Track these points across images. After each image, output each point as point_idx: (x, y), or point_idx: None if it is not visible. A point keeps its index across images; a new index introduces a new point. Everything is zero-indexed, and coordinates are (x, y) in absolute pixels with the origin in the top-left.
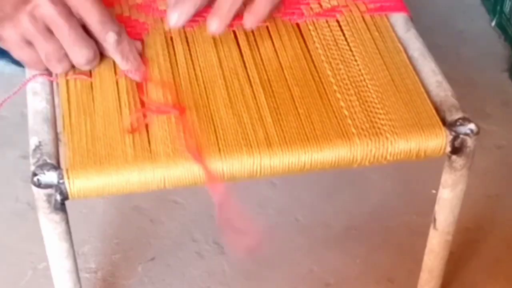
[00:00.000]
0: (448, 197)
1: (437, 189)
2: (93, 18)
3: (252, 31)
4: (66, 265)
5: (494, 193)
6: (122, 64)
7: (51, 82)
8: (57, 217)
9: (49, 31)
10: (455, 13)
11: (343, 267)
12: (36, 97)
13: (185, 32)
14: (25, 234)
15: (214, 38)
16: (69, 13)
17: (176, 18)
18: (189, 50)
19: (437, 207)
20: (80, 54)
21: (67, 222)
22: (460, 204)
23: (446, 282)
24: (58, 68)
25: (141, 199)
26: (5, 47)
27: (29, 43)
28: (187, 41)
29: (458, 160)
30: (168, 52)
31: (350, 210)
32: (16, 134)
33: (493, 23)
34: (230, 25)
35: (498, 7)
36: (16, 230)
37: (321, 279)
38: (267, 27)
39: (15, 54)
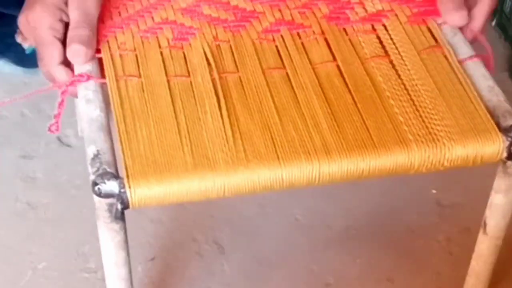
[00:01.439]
0: (501, 202)
1: (437, 189)
2: None
3: (299, 35)
4: (122, 273)
5: None
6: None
7: (103, 89)
8: (117, 226)
9: None
10: None
11: (343, 267)
12: (90, 105)
13: (233, 38)
14: (25, 234)
15: (255, 44)
16: None
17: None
18: (234, 56)
19: (488, 212)
20: None
21: (125, 231)
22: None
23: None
24: None
25: None
26: None
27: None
28: (230, 48)
29: None
30: (216, 57)
31: (350, 210)
32: (16, 134)
33: (493, 23)
34: (277, 30)
35: (498, 7)
36: (16, 230)
37: (321, 279)
38: (313, 32)
39: None
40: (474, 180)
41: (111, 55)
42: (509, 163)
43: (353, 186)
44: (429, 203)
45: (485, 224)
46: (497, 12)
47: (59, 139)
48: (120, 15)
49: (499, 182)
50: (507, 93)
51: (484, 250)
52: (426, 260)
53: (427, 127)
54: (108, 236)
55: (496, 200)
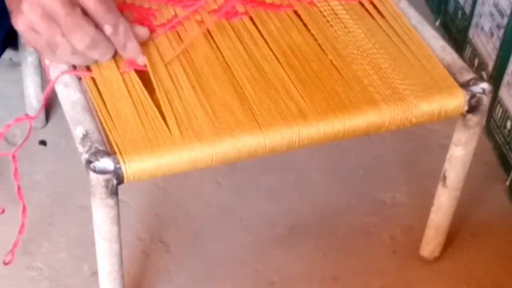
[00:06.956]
0: (461, 154)
1: (382, 190)
2: (90, 7)
3: (263, 11)
4: (114, 248)
5: None
6: (121, 53)
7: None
8: (111, 201)
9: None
10: None
11: (288, 266)
12: (68, 89)
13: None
14: None
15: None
16: (69, 2)
17: None
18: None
19: (447, 165)
20: (76, 40)
21: (118, 207)
22: (470, 161)
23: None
24: (55, 55)
25: (87, 198)
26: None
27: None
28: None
29: (473, 118)
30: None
31: (294, 210)
32: None
33: (437, 23)
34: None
35: (442, 7)
36: None
37: (266, 278)
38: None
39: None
40: (417, 181)
41: None
42: (469, 116)
43: (296, 186)
44: (373, 202)
45: (444, 177)
46: (441, 12)
47: (6, 139)
48: None
49: (459, 135)
50: None
51: (444, 202)
52: (370, 259)
53: (391, 87)
54: (104, 212)
55: (456, 152)
